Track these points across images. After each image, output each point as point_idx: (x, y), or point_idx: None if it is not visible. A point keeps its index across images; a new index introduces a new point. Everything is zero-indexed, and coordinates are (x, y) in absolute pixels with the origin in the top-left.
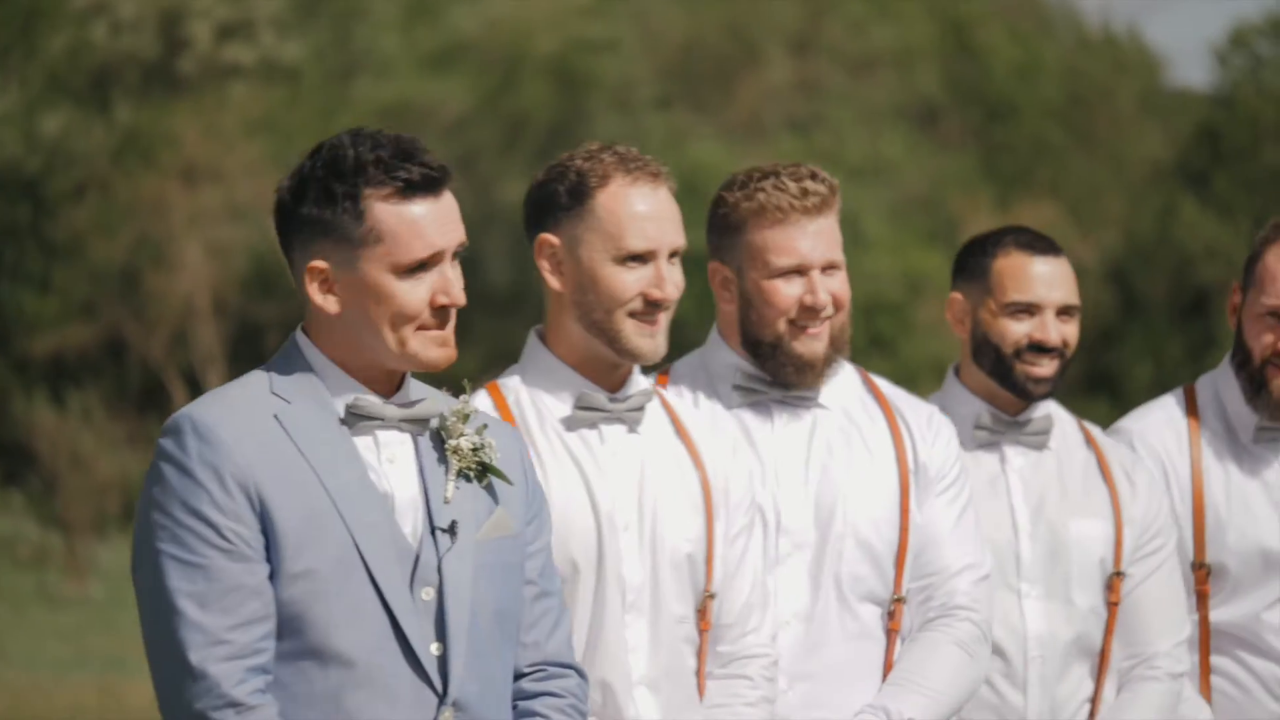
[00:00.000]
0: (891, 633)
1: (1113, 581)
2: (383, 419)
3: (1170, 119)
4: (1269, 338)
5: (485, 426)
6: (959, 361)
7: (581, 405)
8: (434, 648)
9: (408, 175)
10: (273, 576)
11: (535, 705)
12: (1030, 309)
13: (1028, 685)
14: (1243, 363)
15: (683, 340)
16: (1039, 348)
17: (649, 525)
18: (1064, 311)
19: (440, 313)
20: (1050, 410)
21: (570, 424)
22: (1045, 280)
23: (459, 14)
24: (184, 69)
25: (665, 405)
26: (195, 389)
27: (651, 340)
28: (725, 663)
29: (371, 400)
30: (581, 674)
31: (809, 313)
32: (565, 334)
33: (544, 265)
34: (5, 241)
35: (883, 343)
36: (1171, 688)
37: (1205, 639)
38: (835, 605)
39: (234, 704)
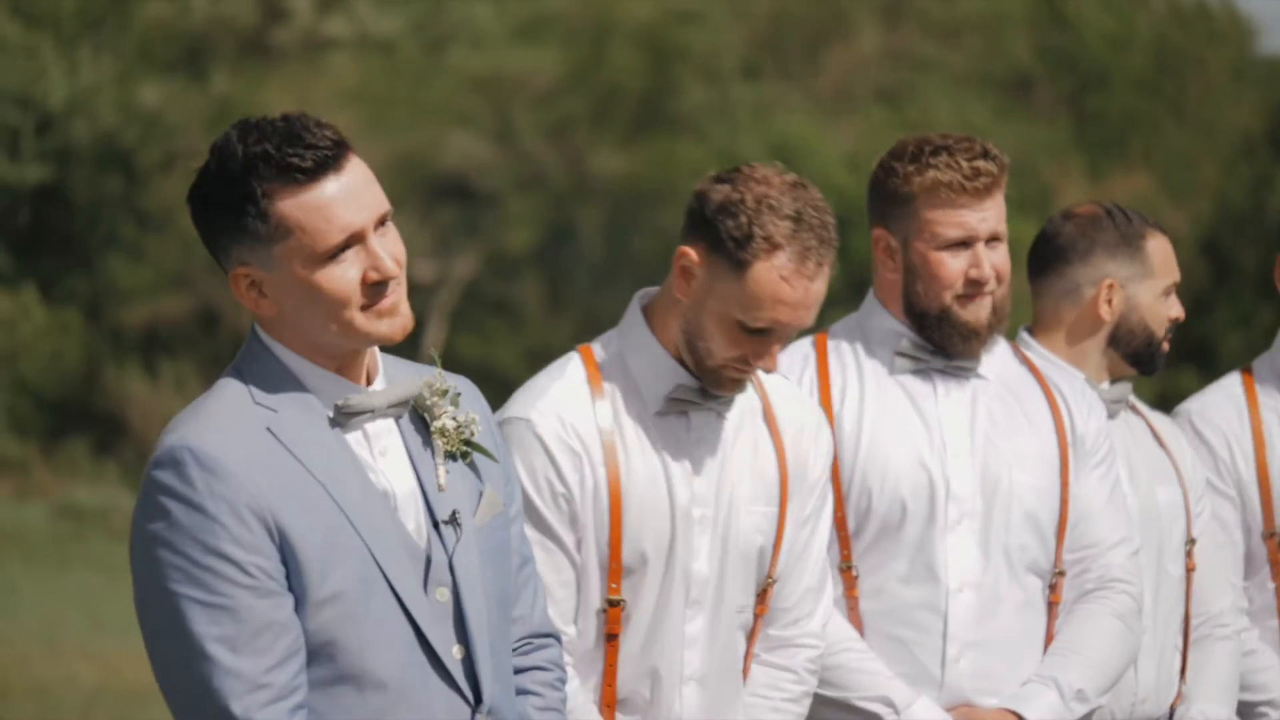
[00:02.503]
0: (1052, 605)
1: (1189, 548)
2: (373, 410)
3: (1262, 88)
4: None
5: (459, 395)
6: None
7: (675, 396)
8: (456, 651)
9: (299, 162)
10: (298, 606)
11: (525, 681)
12: (1169, 289)
13: (1140, 656)
14: None
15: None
16: (1176, 324)
17: (724, 519)
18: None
19: (374, 289)
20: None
21: (662, 409)
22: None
23: None
24: (282, 40)
25: (758, 387)
26: None
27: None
28: (773, 647)
29: (360, 394)
30: (558, 638)
31: (973, 285)
32: (669, 324)
33: (678, 273)
34: (99, 212)
35: None
36: (1239, 644)
37: None
38: (1005, 574)
39: None
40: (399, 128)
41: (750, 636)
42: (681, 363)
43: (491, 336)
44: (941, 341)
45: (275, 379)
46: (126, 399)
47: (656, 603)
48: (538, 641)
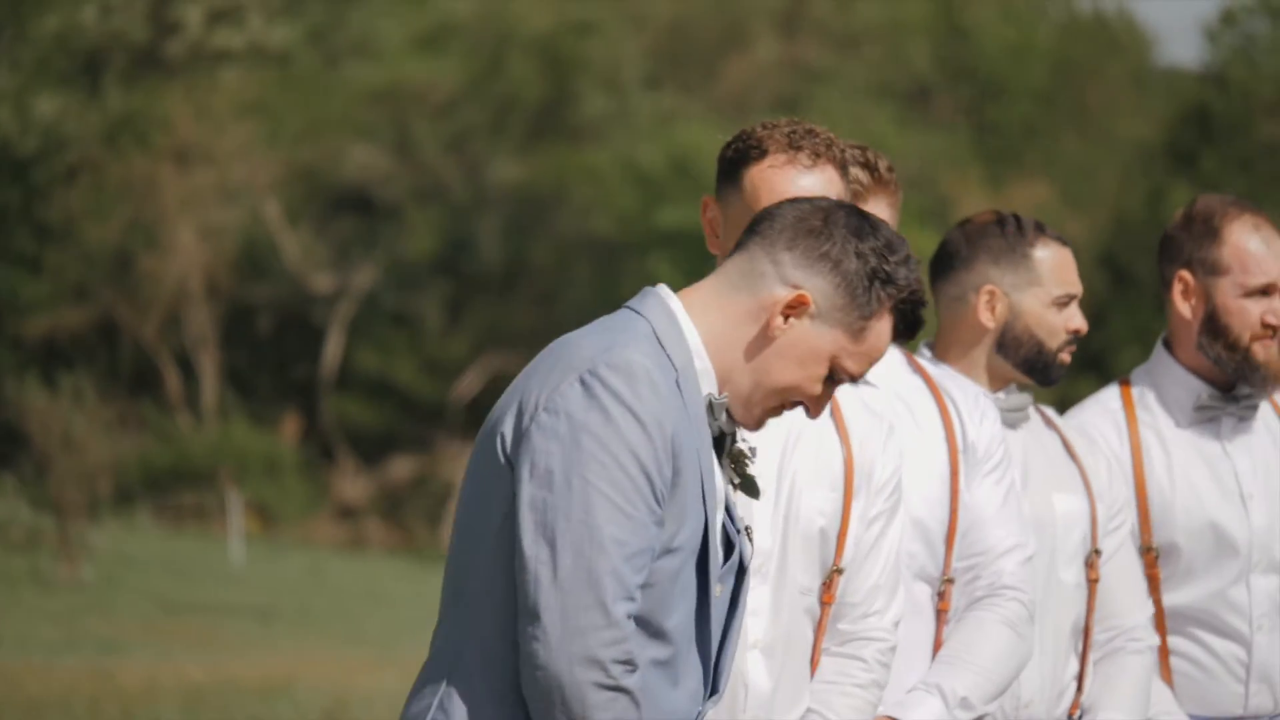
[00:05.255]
0: (941, 612)
1: (1091, 558)
2: None
3: (1160, 98)
4: (1255, 314)
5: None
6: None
7: None
8: (715, 642)
9: None
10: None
11: None
12: (1062, 299)
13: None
14: (1229, 345)
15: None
16: (1078, 336)
17: (785, 497)
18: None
19: None
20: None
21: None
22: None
23: None
24: (173, 53)
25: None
26: (188, 371)
27: None
28: (843, 641)
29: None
30: None
31: None
32: None
33: (707, 230)
34: None
35: None
36: (1151, 660)
37: (1161, 622)
38: None
39: (628, 662)
40: (297, 140)
41: (818, 628)
42: None
43: (390, 349)
44: None
45: (659, 346)
46: (25, 411)
47: None
48: None
